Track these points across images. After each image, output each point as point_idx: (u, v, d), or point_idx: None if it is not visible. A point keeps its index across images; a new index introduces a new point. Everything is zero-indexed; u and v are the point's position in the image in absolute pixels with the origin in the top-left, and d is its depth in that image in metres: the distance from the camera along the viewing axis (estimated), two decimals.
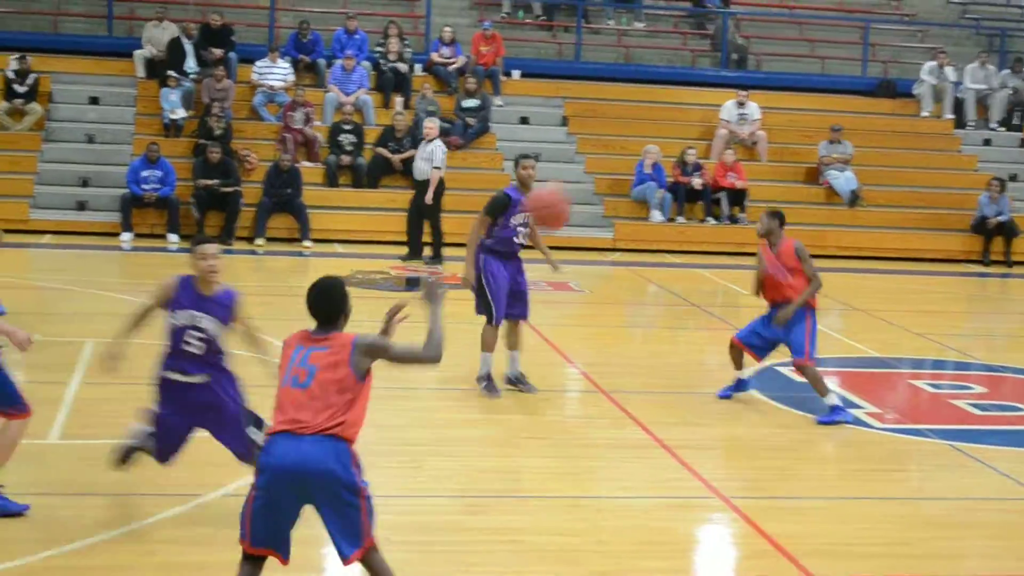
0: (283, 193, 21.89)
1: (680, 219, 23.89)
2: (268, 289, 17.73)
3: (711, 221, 23.88)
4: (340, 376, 6.32)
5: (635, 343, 16.15)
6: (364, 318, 15.47)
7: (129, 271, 19.69)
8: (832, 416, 11.64)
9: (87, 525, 7.95)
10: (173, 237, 21.35)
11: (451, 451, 10.29)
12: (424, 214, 20.68)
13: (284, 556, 6.40)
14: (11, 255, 18.47)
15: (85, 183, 22.71)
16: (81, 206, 22.11)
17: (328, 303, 6.50)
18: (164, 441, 8.23)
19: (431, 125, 20.97)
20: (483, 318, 12.19)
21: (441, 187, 20.63)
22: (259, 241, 21.61)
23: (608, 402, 12.16)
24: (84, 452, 9.38)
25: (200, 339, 8.04)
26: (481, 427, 11.14)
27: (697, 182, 23.78)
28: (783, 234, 11.83)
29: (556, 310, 17.49)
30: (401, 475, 9.62)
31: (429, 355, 6.53)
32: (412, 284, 18.45)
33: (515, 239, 12.08)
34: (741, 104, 25.75)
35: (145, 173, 21.57)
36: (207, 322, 8.04)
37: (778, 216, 11.89)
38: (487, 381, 11.96)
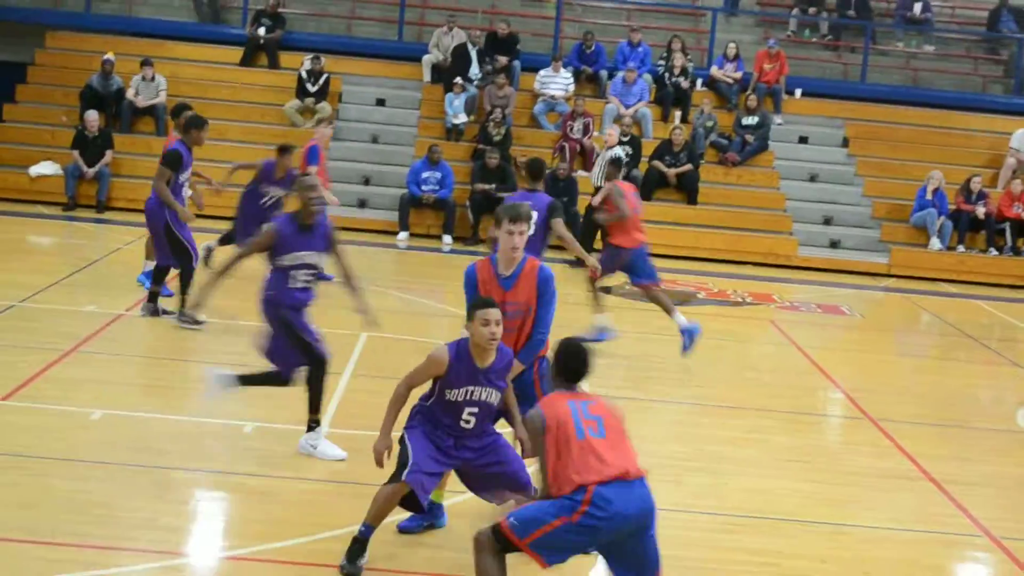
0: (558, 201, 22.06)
1: (960, 248, 23.19)
2: None
3: (993, 252, 23.09)
4: (618, 422, 6.75)
5: (904, 371, 15.73)
6: (629, 329, 15.59)
7: (404, 269, 20.17)
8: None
9: (344, 512, 8.16)
10: (447, 238, 21.81)
11: (711, 468, 10.21)
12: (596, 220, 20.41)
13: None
14: None
15: (367, 181, 23.39)
16: (362, 204, 22.77)
17: (588, 365, 6.83)
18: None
19: (611, 132, 20.80)
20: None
21: None
22: None
23: (874, 429, 11.90)
24: (350, 443, 9.64)
25: (474, 414, 7.46)
26: (742, 446, 11.03)
27: (981, 211, 23.05)
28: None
29: (826, 333, 17.22)
30: (659, 489, 9.59)
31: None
32: (679, 298, 18.38)
33: None
34: None
35: (425, 174, 22.07)
36: (484, 394, 7.42)
37: (616, 162, 15.19)
38: None
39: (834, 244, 23.12)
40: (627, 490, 6.50)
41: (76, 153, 22.03)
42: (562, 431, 6.56)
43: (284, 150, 15.99)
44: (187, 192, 13.91)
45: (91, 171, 21.99)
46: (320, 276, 9.68)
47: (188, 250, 13.54)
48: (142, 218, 14.31)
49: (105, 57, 23.70)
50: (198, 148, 13.89)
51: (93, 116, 22.27)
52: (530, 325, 7.73)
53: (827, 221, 23.62)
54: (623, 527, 6.49)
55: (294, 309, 9.40)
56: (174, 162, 13.46)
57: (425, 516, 7.96)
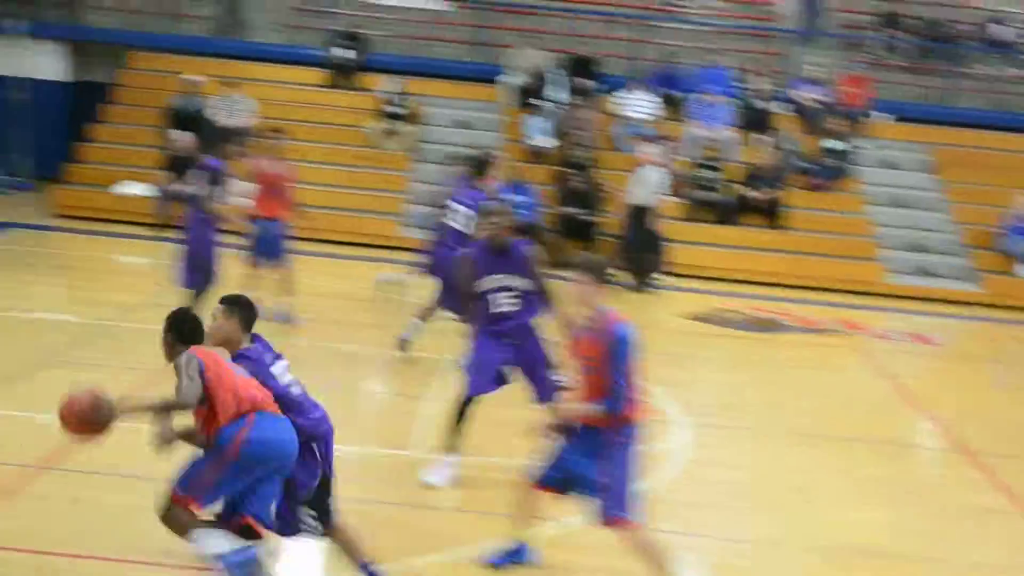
0: None
1: None
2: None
3: None
4: None
5: (1000, 404, 15.40)
6: (715, 355, 15.40)
7: None
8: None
9: (439, 535, 8.07)
10: None
11: (800, 499, 10.05)
12: (643, 241, 20.43)
13: None
14: (373, 269, 18.98)
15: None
16: None
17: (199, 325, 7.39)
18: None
19: (647, 151, 20.67)
20: None
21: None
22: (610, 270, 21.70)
23: (967, 463, 11.65)
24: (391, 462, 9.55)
25: None
26: (831, 477, 10.83)
27: None
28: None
29: (917, 363, 16.95)
30: (748, 519, 9.46)
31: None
32: (766, 325, 18.17)
33: None
34: None
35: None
36: None
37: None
38: None
39: (922, 271, 22.76)
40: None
41: (168, 174, 22.03)
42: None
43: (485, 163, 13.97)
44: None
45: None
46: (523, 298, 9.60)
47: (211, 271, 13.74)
48: (235, 240, 14.50)
49: (190, 78, 23.84)
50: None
51: (184, 136, 22.27)
52: None
53: (915, 248, 23.28)
54: None
55: (492, 334, 9.53)
56: (215, 179, 13.61)
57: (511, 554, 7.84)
